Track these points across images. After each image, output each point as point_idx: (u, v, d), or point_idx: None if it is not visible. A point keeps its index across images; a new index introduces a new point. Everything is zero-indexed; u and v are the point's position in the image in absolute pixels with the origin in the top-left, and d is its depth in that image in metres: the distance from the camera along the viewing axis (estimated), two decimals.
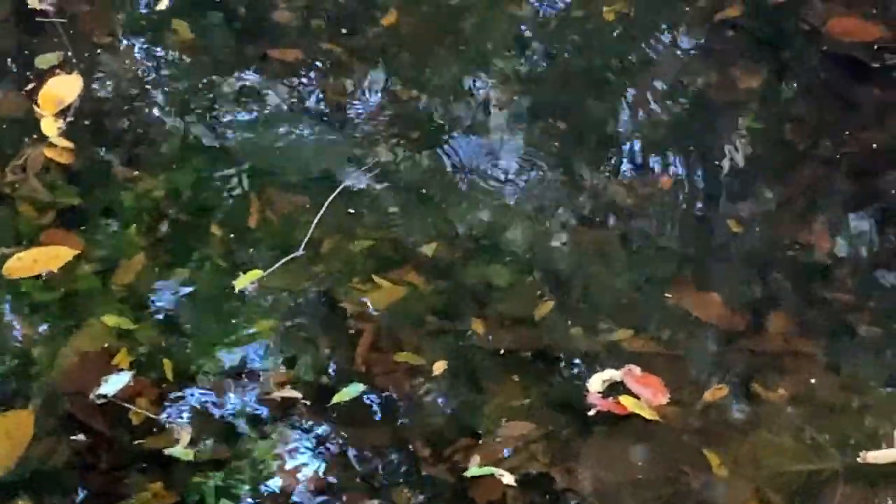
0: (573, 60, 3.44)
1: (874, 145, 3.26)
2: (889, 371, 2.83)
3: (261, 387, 2.73)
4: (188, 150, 3.16)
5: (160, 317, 2.83)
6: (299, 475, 2.62)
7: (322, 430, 2.68)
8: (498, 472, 2.59)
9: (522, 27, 3.51)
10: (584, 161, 3.22)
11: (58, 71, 3.24)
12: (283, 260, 2.91)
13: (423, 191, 3.12)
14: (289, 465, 2.63)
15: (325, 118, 3.28)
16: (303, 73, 3.37)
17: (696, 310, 2.92)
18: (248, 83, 3.33)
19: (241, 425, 2.68)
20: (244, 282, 2.86)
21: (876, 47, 3.43)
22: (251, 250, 2.96)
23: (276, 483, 2.61)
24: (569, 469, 2.63)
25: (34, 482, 2.56)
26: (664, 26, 3.50)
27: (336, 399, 2.70)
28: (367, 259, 2.96)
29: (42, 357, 2.74)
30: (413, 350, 2.80)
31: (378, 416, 2.71)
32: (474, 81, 3.38)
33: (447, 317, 2.88)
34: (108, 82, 3.28)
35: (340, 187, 3.05)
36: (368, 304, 2.86)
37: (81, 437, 2.62)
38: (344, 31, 3.47)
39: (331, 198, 3.01)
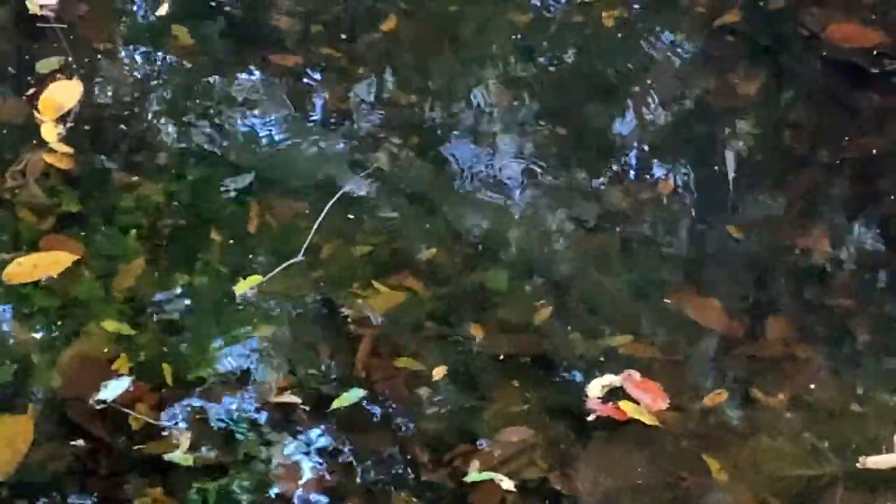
0: (573, 66, 3.45)
1: (873, 151, 3.26)
2: (889, 376, 2.83)
3: (260, 392, 2.73)
4: (188, 156, 3.16)
5: (160, 322, 2.83)
6: (299, 481, 2.62)
7: (322, 435, 2.68)
8: (497, 477, 2.59)
9: (522, 33, 3.51)
10: (584, 166, 3.22)
11: (59, 76, 3.24)
12: (283, 265, 2.91)
13: (423, 196, 3.12)
14: (288, 471, 2.62)
15: (324, 123, 3.28)
16: (303, 78, 3.37)
17: (696, 315, 2.92)
18: (247, 88, 3.33)
19: (241, 431, 2.67)
20: (244, 287, 2.87)
21: (875, 53, 3.43)
22: (251, 256, 2.96)
23: (275, 489, 2.61)
24: (568, 474, 2.63)
25: (34, 487, 2.56)
26: (663, 32, 3.51)
27: (336, 404, 2.70)
28: (367, 264, 2.96)
29: (42, 362, 2.74)
30: (412, 355, 2.80)
31: (378, 422, 2.71)
32: (474, 87, 3.38)
33: (447, 322, 2.88)
34: (108, 88, 3.28)
35: (340, 193, 3.05)
36: (368, 309, 2.86)
37: (81, 442, 2.62)
38: (344, 36, 3.47)
39: (330, 203, 3.01)
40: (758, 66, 3.44)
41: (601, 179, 3.20)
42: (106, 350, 2.76)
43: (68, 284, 2.86)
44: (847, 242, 3.10)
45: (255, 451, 2.64)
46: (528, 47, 3.47)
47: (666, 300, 2.94)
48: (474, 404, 2.75)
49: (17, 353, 2.76)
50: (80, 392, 2.67)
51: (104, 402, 2.65)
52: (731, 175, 3.21)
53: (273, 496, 2.59)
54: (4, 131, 3.16)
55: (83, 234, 2.96)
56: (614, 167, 3.23)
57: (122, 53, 3.36)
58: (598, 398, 2.73)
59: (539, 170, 3.21)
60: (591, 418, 2.71)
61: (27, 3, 3.37)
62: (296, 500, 2.59)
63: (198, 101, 3.29)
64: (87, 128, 3.17)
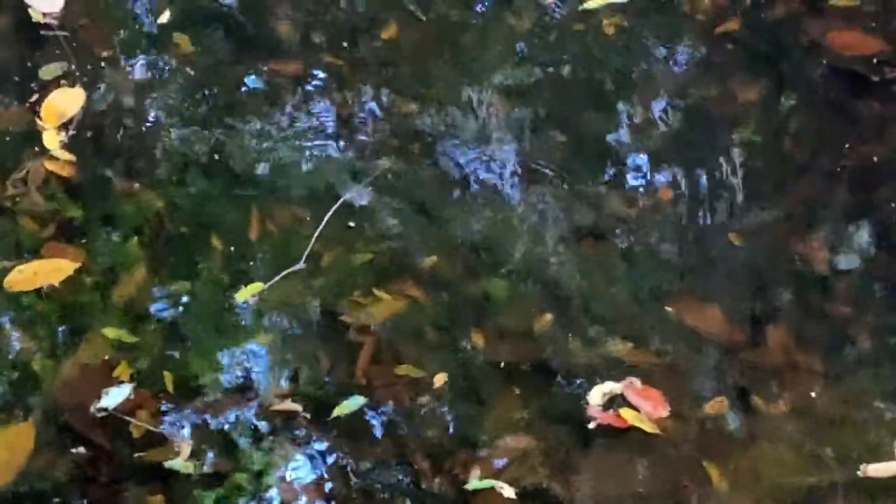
0: (573, 73, 3.45)
1: (874, 158, 3.27)
2: (889, 384, 2.83)
3: (261, 400, 2.73)
4: (189, 164, 3.16)
5: (161, 330, 2.84)
6: (299, 488, 2.62)
7: (322, 443, 2.68)
8: (498, 484, 2.60)
9: (522, 40, 3.51)
10: (584, 173, 3.22)
11: (63, 82, 3.24)
12: (284, 273, 2.91)
13: (423, 204, 3.12)
14: (289, 478, 2.63)
15: (325, 131, 3.28)
16: (303, 85, 3.38)
17: (697, 323, 2.92)
18: (249, 96, 3.34)
19: (242, 438, 2.68)
20: (245, 295, 2.87)
21: (876, 61, 3.44)
22: (252, 263, 2.96)
23: (276, 496, 2.61)
24: (569, 482, 2.63)
25: (34, 495, 2.57)
26: (664, 40, 3.51)
27: (336, 412, 2.70)
28: (368, 272, 2.96)
29: (42, 370, 2.75)
30: (413, 363, 2.80)
31: (378, 429, 2.71)
32: (474, 94, 3.38)
33: (447, 330, 2.88)
34: (109, 95, 3.28)
35: (341, 200, 3.05)
36: (369, 317, 2.86)
37: (82, 449, 2.62)
38: (344, 44, 3.47)
39: (331, 211, 3.01)
40: (758, 74, 3.44)
41: (602, 186, 3.20)
42: (107, 357, 2.76)
43: (69, 292, 2.86)
44: (847, 250, 3.10)
45: (256, 458, 2.64)
46: (529, 55, 3.47)
47: (666, 308, 2.94)
48: (475, 412, 2.75)
49: (17, 361, 2.77)
50: (80, 399, 2.67)
51: (105, 409, 2.66)
52: (730, 182, 3.21)
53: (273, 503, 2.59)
54: (7, 139, 3.16)
55: (84, 241, 2.97)
56: (615, 174, 3.23)
57: (124, 61, 3.37)
58: (599, 406, 2.73)
59: (539, 177, 3.21)
60: (591, 426, 2.71)
61: (30, 11, 3.37)
62: None
63: (199, 108, 3.29)
64: (88, 135, 3.18)
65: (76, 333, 2.81)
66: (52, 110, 3.17)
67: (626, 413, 2.71)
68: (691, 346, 2.88)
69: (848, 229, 3.13)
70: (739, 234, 3.11)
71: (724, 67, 3.46)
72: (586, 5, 3.54)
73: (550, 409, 2.74)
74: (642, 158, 3.27)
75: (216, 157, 3.19)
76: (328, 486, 2.63)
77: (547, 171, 3.22)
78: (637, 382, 2.76)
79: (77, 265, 2.88)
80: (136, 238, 2.98)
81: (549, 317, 2.89)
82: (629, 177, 3.23)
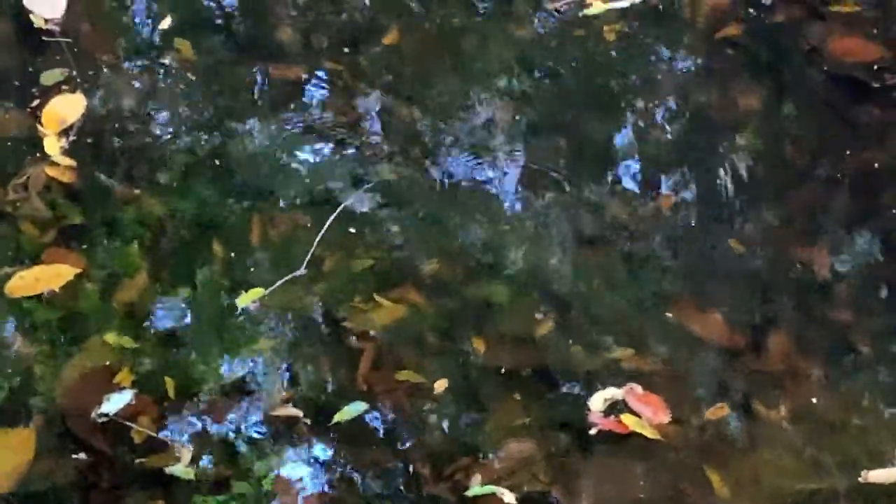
0: (574, 79, 3.45)
1: (874, 165, 3.27)
2: (890, 390, 2.83)
3: (262, 405, 2.73)
4: (190, 169, 3.16)
5: (162, 335, 2.84)
6: (300, 494, 2.62)
7: (323, 449, 2.68)
8: (499, 490, 2.59)
9: (523, 46, 3.52)
10: (586, 180, 3.23)
11: (65, 87, 3.24)
12: (285, 278, 2.91)
13: (424, 210, 3.12)
14: (290, 485, 2.62)
15: (326, 136, 3.28)
16: (305, 91, 3.38)
17: (697, 328, 2.92)
18: (250, 101, 3.34)
19: (243, 444, 2.68)
20: (246, 300, 2.87)
21: (876, 67, 3.44)
22: (252, 269, 2.96)
23: (276, 502, 2.61)
24: (570, 488, 2.63)
25: (35, 501, 2.56)
26: (664, 46, 3.51)
27: (337, 418, 2.70)
28: (369, 278, 2.96)
29: (44, 375, 2.75)
30: (414, 369, 2.80)
31: (379, 435, 2.71)
32: (476, 100, 3.38)
33: (448, 335, 2.88)
34: (110, 101, 3.28)
35: (342, 206, 3.06)
36: (370, 322, 2.86)
37: (83, 455, 2.62)
38: (346, 49, 3.48)
39: (332, 216, 3.02)
40: (759, 80, 3.44)
41: (602, 193, 3.20)
42: (108, 363, 2.76)
43: (70, 297, 2.86)
44: (848, 256, 3.10)
45: (257, 464, 2.64)
46: (530, 61, 3.48)
47: (667, 313, 2.94)
48: (476, 417, 2.75)
49: (19, 366, 2.77)
50: (81, 405, 2.67)
51: (106, 415, 2.65)
52: (731, 188, 3.21)
53: None
54: (7, 144, 3.16)
55: (85, 247, 2.97)
56: (616, 180, 3.24)
57: (126, 67, 3.37)
58: (600, 412, 2.73)
59: (540, 182, 3.21)
60: (593, 432, 2.71)
61: (31, 16, 3.38)
62: None
63: (200, 113, 3.30)
64: (89, 141, 3.18)
65: (77, 339, 2.81)
66: (53, 116, 3.17)
67: (627, 419, 2.71)
68: (692, 352, 2.88)
69: (849, 235, 3.13)
70: (740, 240, 3.11)
71: (725, 73, 3.46)
72: (587, 11, 3.55)
73: (551, 415, 2.74)
74: (643, 164, 3.27)
75: (217, 162, 3.19)
76: (329, 492, 2.62)
77: (548, 176, 3.22)
78: (638, 388, 2.76)
79: (78, 271, 2.88)
80: (136, 244, 2.98)
81: (550, 322, 2.89)
82: (630, 182, 3.24)
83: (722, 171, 3.24)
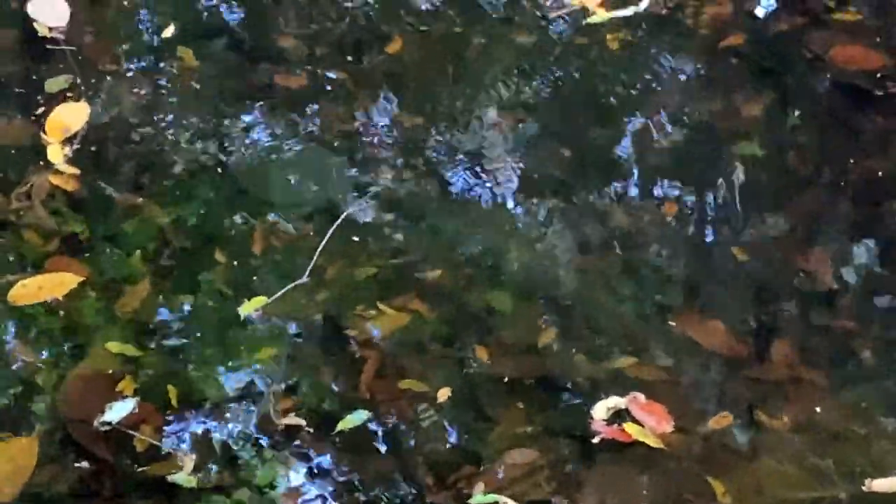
0: (577, 88, 3.45)
1: (878, 173, 3.27)
2: (894, 399, 2.83)
3: (265, 414, 2.73)
4: (193, 178, 3.17)
5: (165, 343, 2.84)
6: (303, 503, 2.62)
7: (326, 457, 2.68)
8: (502, 499, 2.59)
9: (526, 55, 3.52)
10: (588, 188, 3.23)
11: (69, 94, 3.25)
12: (288, 287, 2.91)
13: (427, 218, 3.13)
14: (292, 493, 2.62)
15: (329, 145, 3.29)
16: (308, 99, 3.38)
17: (700, 337, 2.92)
18: (253, 110, 3.34)
19: (245, 452, 2.67)
20: (248, 308, 2.87)
21: (879, 76, 3.44)
22: (255, 277, 2.96)
23: None
24: (573, 497, 2.63)
25: None
26: (668, 54, 3.52)
27: (340, 426, 2.69)
28: (372, 286, 2.96)
29: (46, 384, 2.75)
30: (417, 377, 2.80)
31: (382, 444, 2.71)
32: (478, 108, 3.39)
33: (451, 344, 2.88)
34: (114, 110, 3.29)
35: (345, 214, 3.06)
36: (372, 331, 2.86)
37: (85, 463, 2.62)
38: (349, 58, 3.48)
39: (335, 225, 3.02)
40: (762, 88, 3.45)
41: (605, 201, 3.20)
42: (111, 371, 2.76)
43: (73, 306, 2.86)
44: (851, 264, 3.10)
45: (259, 472, 2.64)
46: (533, 69, 3.48)
47: (670, 322, 2.94)
48: (479, 426, 2.74)
49: (21, 375, 2.77)
50: (84, 413, 2.67)
51: (109, 423, 2.65)
52: (734, 196, 3.21)
53: None
54: (11, 152, 3.16)
55: (88, 255, 2.97)
56: (618, 189, 3.24)
57: (129, 75, 3.38)
58: (603, 420, 2.73)
59: (543, 191, 3.21)
60: (596, 440, 2.71)
61: (36, 25, 3.38)
62: None
63: (203, 122, 3.30)
64: (93, 149, 3.18)
65: (80, 347, 2.81)
66: (56, 124, 3.17)
67: (630, 428, 2.71)
68: (695, 361, 2.88)
69: (852, 244, 3.13)
70: (743, 248, 3.11)
71: (728, 82, 3.47)
72: (590, 20, 3.55)
73: (554, 424, 2.74)
74: (646, 173, 3.27)
75: (220, 170, 3.19)
76: (332, 500, 2.62)
77: (551, 185, 3.22)
78: (641, 397, 2.76)
79: (81, 279, 2.89)
80: (139, 252, 2.98)
81: (553, 331, 2.89)
82: (633, 191, 3.23)
83: (725, 180, 3.24)
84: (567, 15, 3.57)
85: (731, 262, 3.08)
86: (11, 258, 2.95)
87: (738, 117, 3.39)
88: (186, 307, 2.90)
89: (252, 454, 2.67)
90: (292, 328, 2.88)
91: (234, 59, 3.45)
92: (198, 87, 3.37)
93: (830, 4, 3.61)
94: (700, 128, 3.39)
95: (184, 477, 2.60)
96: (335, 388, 2.78)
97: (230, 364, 2.81)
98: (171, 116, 3.30)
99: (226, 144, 3.25)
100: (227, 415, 2.73)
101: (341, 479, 2.65)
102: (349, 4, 3.60)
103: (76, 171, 3.11)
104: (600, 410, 2.74)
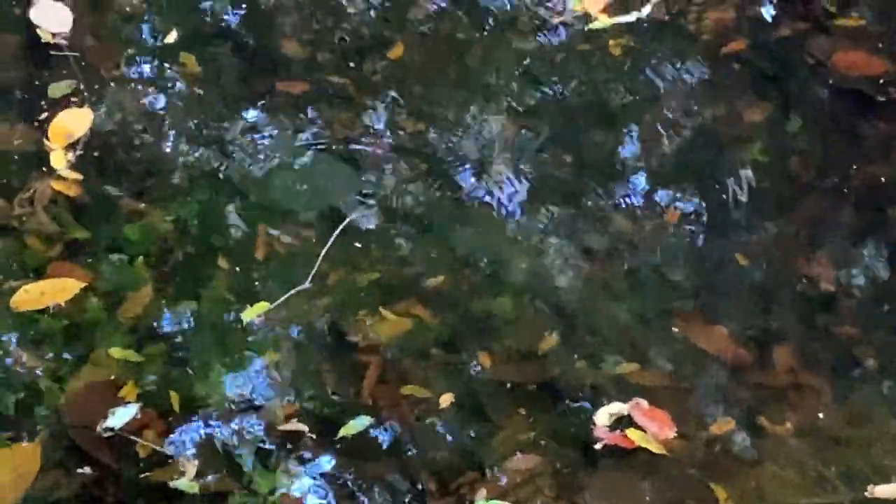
0: (579, 94, 3.45)
1: (880, 178, 3.27)
2: None
3: (267, 420, 2.73)
4: (196, 183, 3.17)
5: (167, 349, 2.84)
6: None
7: (328, 463, 2.68)
8: None
9: (528, 60, 3.52)
10: (590, 194, 3.23)
11: (74, 99, 3.25)
12: (290, 292, 2.91)
13: (430, 224, 3.13)
14: (294, 499, 2.62)
15: (332, 151, 3.29)
16: (310, 105, 3.39)
17: (703, 343, 2.92)
18: (255, 116, 3.34)
19: (247, 458, 2.67)
20: (251, 314, 2.87)
21: (881, 81, 3.44)
22: (258, 283, 2.96)
23: None
24: (575, 502, 2.63)
25: None
26: (670, 60, 3.52)
27: (342, 432, 2.70)
28: (374, 292, 2.96)
29: (49, 389, 2.75)
30: (419, 383, 2.80)
31: (384, 449, 2.71)
32: (480, 114, 3.39)
33: (453, 349, 2.88)
34: (117, 115, 3.29)
35: (347, 220, 3.06)
36: (375, 336, 2.86)
37: (88, 469, 2.62)
38: (351, 64, 3.48)
39: (338, 230, 3.02)
40: (764, 94, 3.45)
41: (608, 207, 3.20)
42: (113, 377, 2.76)
43: (76, 312, 2.87)
44: (853, 270, 3.10)
45: (261, 478, 2.64)
46: (535, 75, 3.48)
47: (673, 328, 2.94)
48: (481, 432, 2.74)
49: (24, 380, 2.77)
50: (87, 419, 2.67)
51: (111, 429, 2.65)
52: (736, 202, 3.21)
53: None
54: (14, 158, 3.17)
55: (91, 261, 2.97)
56: (621, 195, 3.24)
57: (132, 81, 3.38)
58: (606, 426, 2.73)
59: (546, 196, 3.21)
60: (598, 446, 2.71)
61: (39, 30, 3.39)
62: None
63: (206, 128, 3.30)
64: (95, 155, 3.18)
65: (82, 353, 2.81)
66: (59, 130, 3.18)
67: (632, 434, 2.71)
68: (698, 367, 2.88)
69: (854, 249, 3.13)
70: (745, 254, 3.11)
71: (730, 88, 3.47)
72: (592, 25, 3.55)
73: (557, 430, 2.74)
74: (649, 179, 3.27)
75: (222, 176, 3.19)
76: None
77: (553, 190, 3.22)
78: (643, 403, 2.76)
79: (83, 285, 2.89)
80: (142, 258, 2.98)
81: (555, 337, 2.89)
82: (635, 197, 3.24)
83: (727, 186, 3.24)
84: (569, 21, 3.57)
85: (734, 267, 3.08)
86: (14, 264, 2.95)
87: (741, 123, 3.39)
88: (189, 313, 2.90)
89: (254, 460, 2.67)
90: (294, 334, 2.88)
91: (237, 65, 3.45)
92: (200, 92, 3.37)
93: (833, 10, 3.61)
94: (702, 133, 3.39)
95: (186, 483, 2.60)
96: (337, 394, 2.78)
97: (232, 369, 2.81)
98: (173, 122, 3.31)
99: (228, 150, 3.25)
100: (230, 420, 2.73)
101: (343, 484, 2.65)
102: (351, 10, 3.61)
103: (79, 176, 3.11)
104: (603, 416, 2.74)
